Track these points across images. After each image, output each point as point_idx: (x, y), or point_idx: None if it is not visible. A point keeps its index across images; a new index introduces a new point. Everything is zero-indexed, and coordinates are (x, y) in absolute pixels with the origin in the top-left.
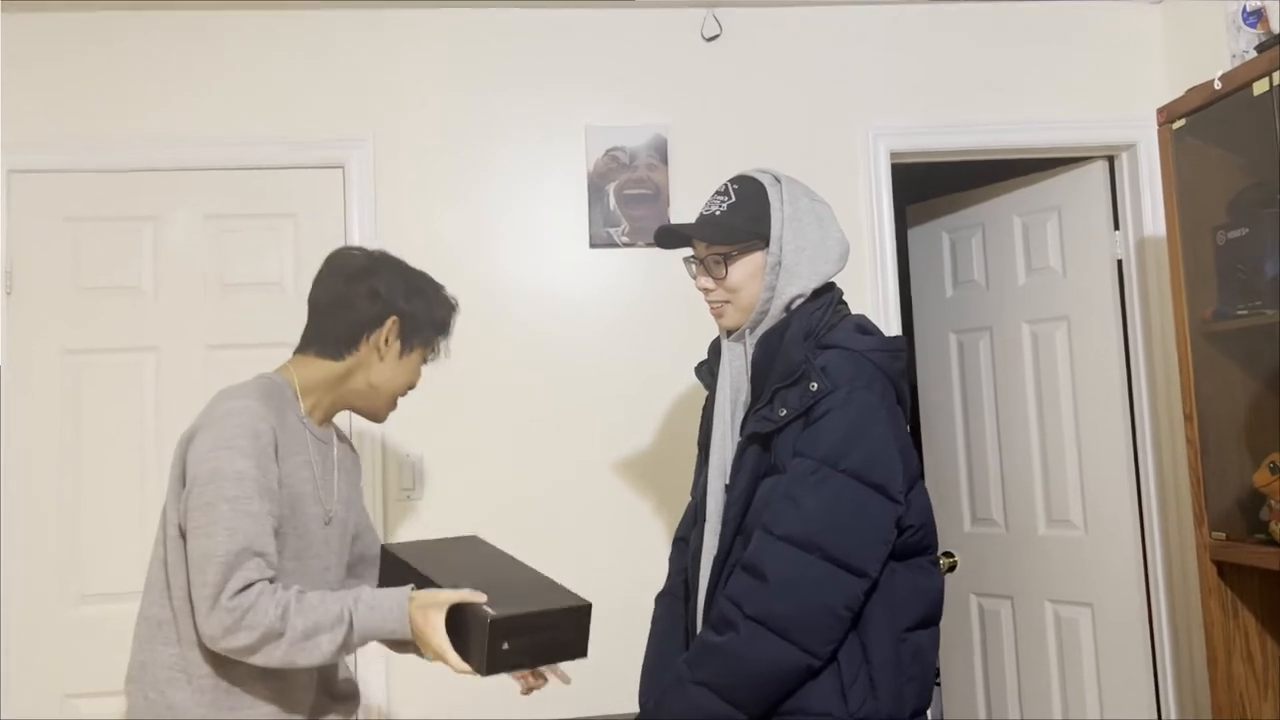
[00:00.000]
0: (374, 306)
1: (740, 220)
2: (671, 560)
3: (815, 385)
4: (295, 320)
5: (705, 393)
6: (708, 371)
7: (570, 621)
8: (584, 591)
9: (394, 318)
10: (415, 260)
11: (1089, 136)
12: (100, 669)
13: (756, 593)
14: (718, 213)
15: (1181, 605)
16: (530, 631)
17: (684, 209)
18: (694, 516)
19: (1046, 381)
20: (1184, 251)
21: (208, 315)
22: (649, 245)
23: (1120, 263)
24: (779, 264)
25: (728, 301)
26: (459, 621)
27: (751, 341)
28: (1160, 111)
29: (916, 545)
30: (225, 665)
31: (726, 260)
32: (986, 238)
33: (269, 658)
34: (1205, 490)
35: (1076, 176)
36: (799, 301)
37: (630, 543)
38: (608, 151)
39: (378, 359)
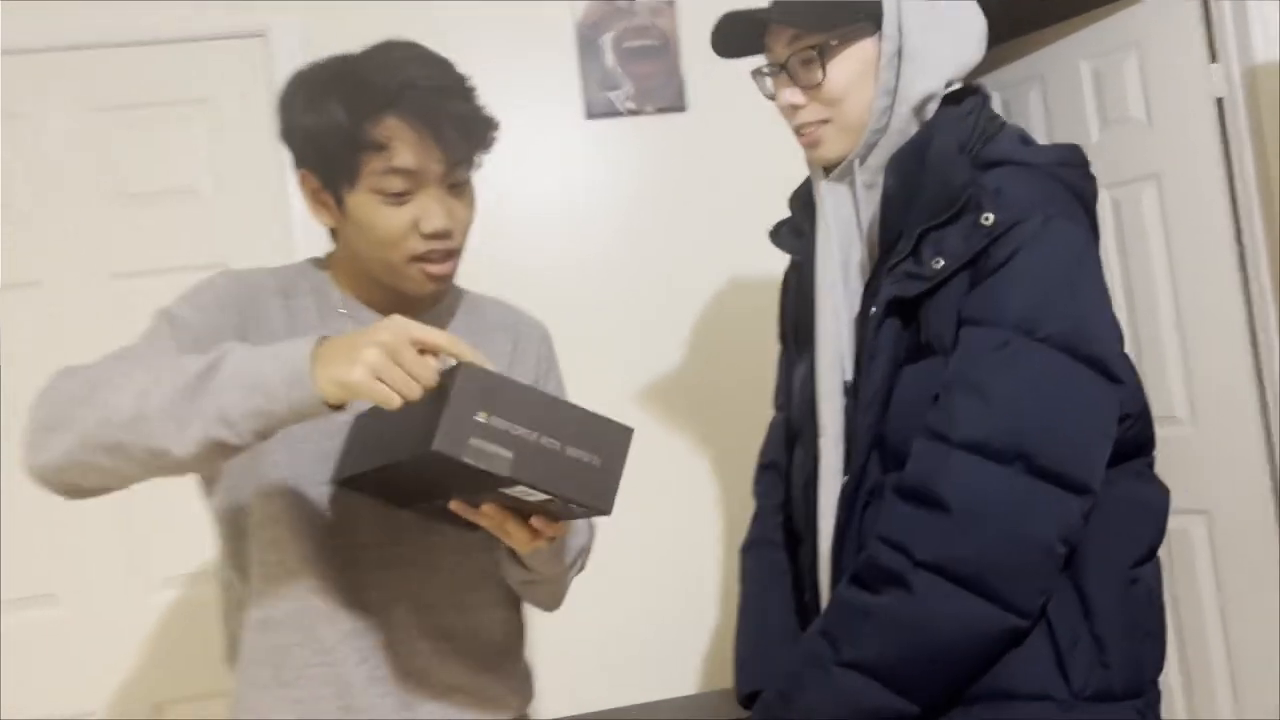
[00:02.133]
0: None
1: None
2: (760, 496)
3: (991, 216)
4: (220, 234)
5: (759, 294)
6: (791, 231)
7: (597, 437)
8: (602, 564)
9: (302, 171)
10: None
11: None
12: None
13: (931, 528)
14: None
15: None
16: (525, 412)
17: (703, 65)
18: (785, 434)
19: (1135, 254)
20: None
21: (106, 237)
22: (662, 110)
23: (1221, 102)
24: (899, 53)
25: (826, 121)
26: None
27: (865, 174)
28: None
29: (1134, 442)
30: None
31: (823, 56)
32: (1048, 91)
33: (61, 445)
34: None
35: (1159, 2)
36: (933, 105)
37: (661, 497)
38: None
39: (342, 221)
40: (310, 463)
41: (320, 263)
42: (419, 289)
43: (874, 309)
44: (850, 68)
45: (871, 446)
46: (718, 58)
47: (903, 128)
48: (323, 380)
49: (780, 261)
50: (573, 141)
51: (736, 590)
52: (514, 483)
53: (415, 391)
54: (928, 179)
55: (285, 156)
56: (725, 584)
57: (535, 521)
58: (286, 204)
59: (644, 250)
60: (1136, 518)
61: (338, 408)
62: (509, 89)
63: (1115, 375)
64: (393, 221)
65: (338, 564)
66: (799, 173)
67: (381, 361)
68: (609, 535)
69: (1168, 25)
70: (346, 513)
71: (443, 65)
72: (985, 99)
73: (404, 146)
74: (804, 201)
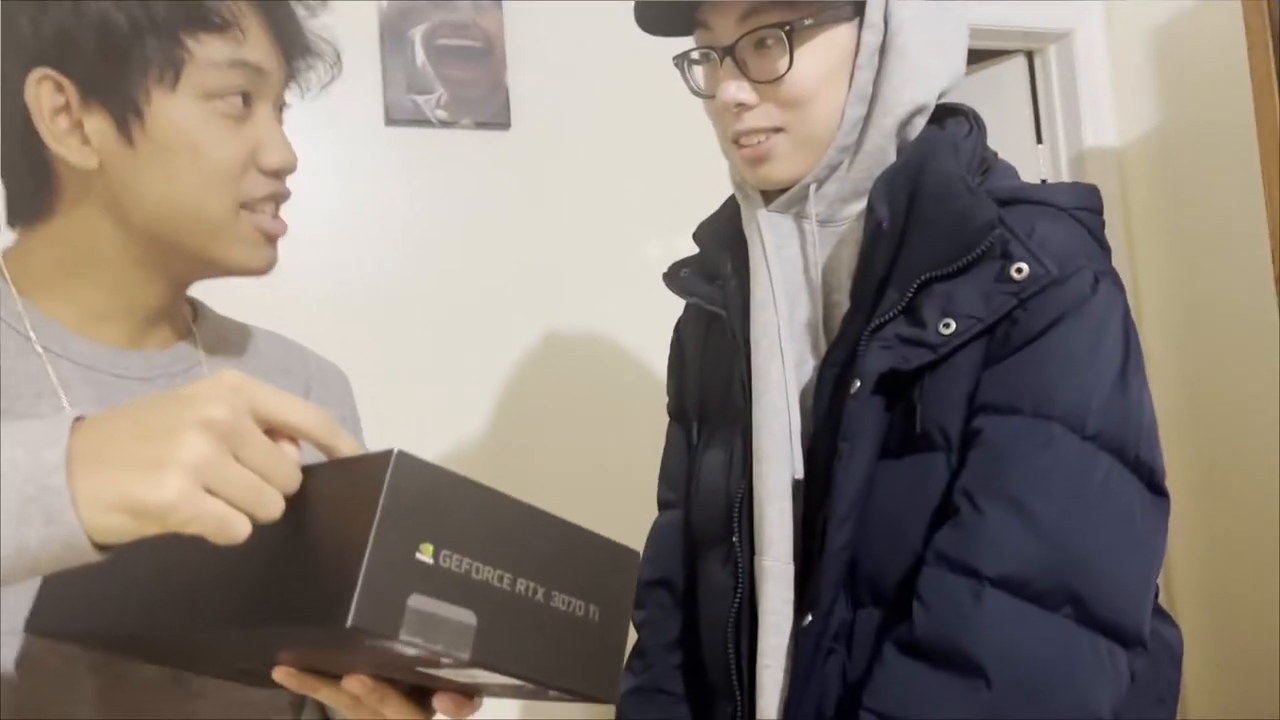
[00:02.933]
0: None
1: None
2: (645, 626)
3: (1025, 268)
4: None
5: (577, 346)
6: (699, 274)
7: (594, 572)
8: None
9: (44, 75)
10: None
11: (1008, 17)
12: None
13: (960, 702)
14: None
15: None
16: (491, 537)
17: (531, 82)
18: (682, 542)
19: None
20: None
21: None
22: (480, 126)
23: (1044, 183)
24: (882, 48)
25: (778, 129)
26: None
27: (821, 205)
28: None
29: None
30: None
31: (790, 38)
32: None
33: None
34: None
35: (987, 77)
36: (920, 122)
37: None
38: None
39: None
40: None
41: None
42: (249, 259)
43: (856, 384)
44: (821, 60)
45: (842, 579)
46: (545, 69)
47: (881, 146)
48: (93, 507)
49: (640, 313)
50: (372, 153)
51: None
52: (468, 665)
53: (274, 510)
54: (930, 214)
55: None
56: None
57: (441, 701)
58: None
59: (444, 285)
60: (1161, 673)
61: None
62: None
63: (1164, 488)
64: (231, 148)
65: None
66: (636, 209)
67: (213, 460)
68: None
69: (996, 101)
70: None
71: None
72: (980, 121)
73: (255, 32)
74: (720, 237)
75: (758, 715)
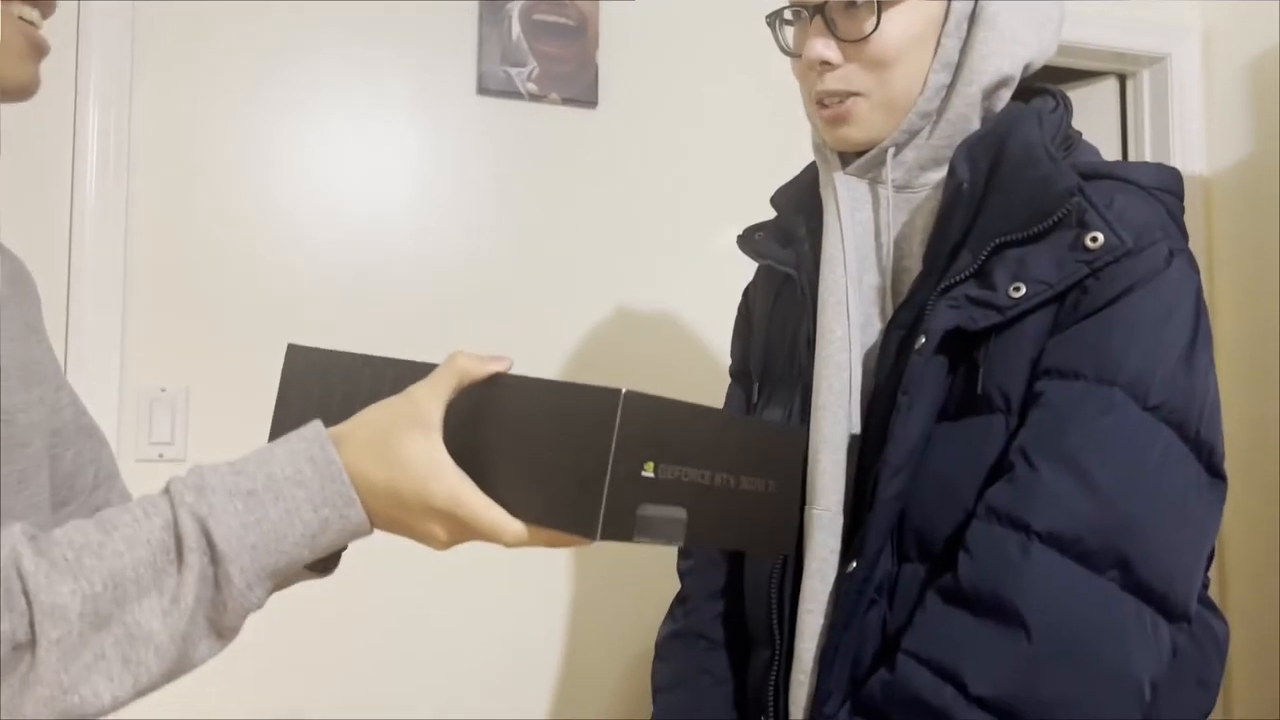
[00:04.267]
0: None
1: None
2: (688, 574)
3: (1100, 237)
4: None
5: (659, 321)
6: (775, 237)
7: (768, 453)
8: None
9: None
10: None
11: (1102, 37)
12: None
13: (998, 652)
14: None
15: None
16: (694, 444)
17: (622, 62)
18: None
19: None
20: None
21: None
22: (569, 101)
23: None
24: (972, 16)
25: (858, 94)
26: (475, 439)
27: (899, 171)
28: None
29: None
30: None
31: (879, 3)
32: None
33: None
34: None
35: (1077, 98)
36: (1005, 94)
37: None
38: None
39: None
40: None
41: None
42: (17, 73)
43: (921, 339)
44: (909, 24)
45: (892, 529)
46: (634, 51)
47: (964, 115)
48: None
49: (713, 292)
50: (461, 122)
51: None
52: (681, 545)
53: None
54: (1011, 179)
55: None
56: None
57: None
58: None
59: (526, 255)
60: (1205, 657)
61: None
62: (389, 56)
63: (1223, 470)
64: None
65: None
66: (714, 190)
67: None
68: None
69: (1085, 122)
70: None
71: None
72: (1067, 101)
73: None
74: (797, 201)
75: (796, 660)
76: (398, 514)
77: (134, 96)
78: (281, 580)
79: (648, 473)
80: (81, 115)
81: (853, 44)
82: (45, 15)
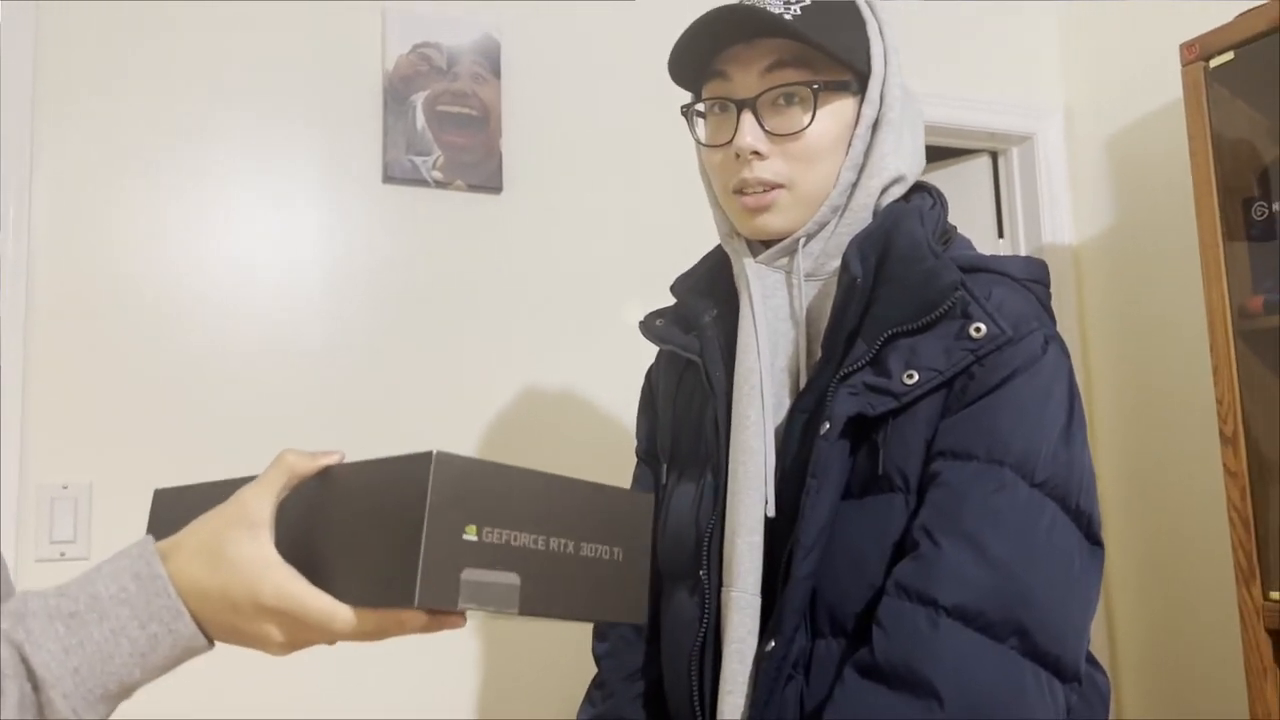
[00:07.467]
0: None
1: (832, 33)
2: (605, 658)
3: (983, 328)
4: None
5: (557, 400)
6: (677, 323)
7: (614, 518)
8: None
9: None
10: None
11: (975, 119)
12: None
13: None
14: (787, 15)
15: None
16: (523, 507)
17: (523, 149)
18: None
19: None
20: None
21: None
22: (473, 188)
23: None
24: (877, 120)
25: (781, 185)
26: (305, 534)
27: (808, 260)
28: (1188, 47)
29: None
30: None
31: (816, 96)
32: None
33: None
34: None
35: (954, 173)
36: (897, 191)
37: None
38: (416, 48)
39: None
40: None
41: None
42: None
43: (826, 425)
44: (832, 124)
45: (805, 605)
46: (536, 139)
47: (865, 206)
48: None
49: (620, 371)
50: (367, 209)
51: None
52: (517, 616)
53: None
54: (899, 273)
55: None
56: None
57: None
58: None
59: (433, 339)
60: (1093, 711)
61: None
62: (297, 148)
63: (1100, 537)
64: None
65: None
66: (618, 271)
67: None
68: None
69: (963, 196)
70: None
71: None
72: (942, 197)
73: None
74: (698, 288)
75: None
76: (232, 619)
77: (34, 184)
78: (127, 695)
79: (469, 535)
80: None
81: (781, 137)
82: None
